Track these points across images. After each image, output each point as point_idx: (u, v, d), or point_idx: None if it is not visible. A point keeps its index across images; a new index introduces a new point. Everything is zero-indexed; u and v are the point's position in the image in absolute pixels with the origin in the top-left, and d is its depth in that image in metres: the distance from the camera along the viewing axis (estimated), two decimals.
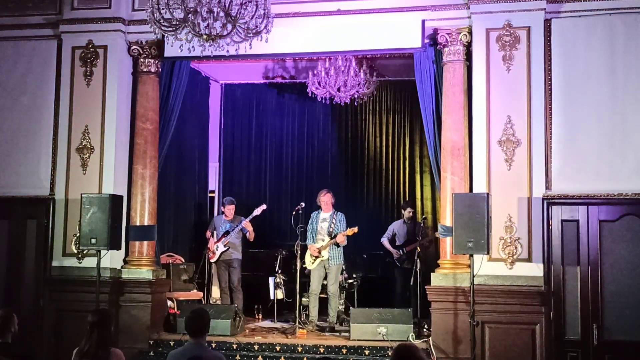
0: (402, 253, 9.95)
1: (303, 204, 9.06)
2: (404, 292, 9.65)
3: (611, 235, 7.49)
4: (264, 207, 9.73)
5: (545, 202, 7.59)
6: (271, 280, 9.97)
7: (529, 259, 7.55)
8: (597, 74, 7.64)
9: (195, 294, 9.74)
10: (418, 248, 9.09)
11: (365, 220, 10.50)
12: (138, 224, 8.62)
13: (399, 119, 11.79)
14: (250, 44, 5.88)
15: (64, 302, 8.37)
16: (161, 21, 5.79)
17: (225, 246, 9.68)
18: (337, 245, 9.03)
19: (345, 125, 12.00)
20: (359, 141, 11.92)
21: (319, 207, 9.30)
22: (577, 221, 7.57)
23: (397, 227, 10.29)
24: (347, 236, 8.98)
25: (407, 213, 10.22)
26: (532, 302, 7.49)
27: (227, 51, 5.90)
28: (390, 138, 11.80)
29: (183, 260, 10.02)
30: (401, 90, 11.58)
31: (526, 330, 7.49)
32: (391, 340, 7.83)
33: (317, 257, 9.04)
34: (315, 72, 10.11)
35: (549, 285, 7.52)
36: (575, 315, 7.48)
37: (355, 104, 10.64)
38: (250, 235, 9.74)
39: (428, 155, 8.94)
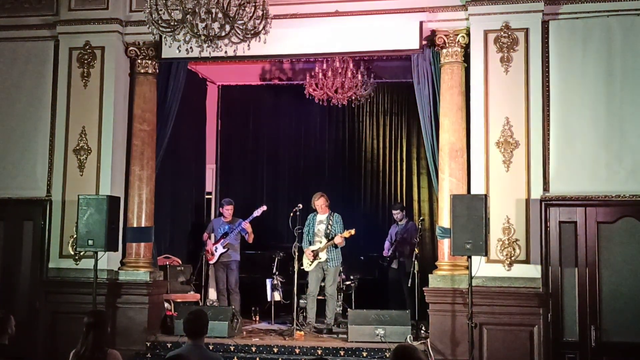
0: (389, 253, 10.08)
1: (301, 206, 9.04)
2: (397, 294, 9.65)
3: (609, 236, 7.47)
4: (264, 208, 9.72)
5: (543, 203, 7.58)
6: (268, 282, 9.95)
7: (527, 261, 7.55)
8: (594, 76, 7.64)
9: (192, 296, 9.72)
10: (416, 250, 9.06)
11: (362, 222, 10.54)
12: (135, 225, 8.60)
13: (396, 120, 11.80)
14: (248, 45, 5.86)
15: (60, 304, 8.32)
16: (159, 22, 5.77)
17: (224, 248, 9.67)
18: (335, 246, 9.02)
19: (343, 127, 11.98)
20: (356, 143, 11.91)
21: (315, 210, 9.29)
22: (575, 223, 7.56)
23: (391, 230, 10.41)
24: (345, 238, 8.98)
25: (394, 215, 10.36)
26: (530, 303, 7.48)
27: (226, 52, 5.85)
28: (388, 140, 11.81)
29: (180, 262, 9.98)
30: (398, 92, 11.58)
31: (524, 332, 7.48)
32: (389, 342, 7.81)
33: (315, 258, 9.03)
34: (312, 73, 10.06)
35: (547, 287, 7.51)
36: (573, 316, 7.47)
37: (353, 105, 10.62)
38: (250, 237, 9.73)
39: (425, 157, 8.94)
